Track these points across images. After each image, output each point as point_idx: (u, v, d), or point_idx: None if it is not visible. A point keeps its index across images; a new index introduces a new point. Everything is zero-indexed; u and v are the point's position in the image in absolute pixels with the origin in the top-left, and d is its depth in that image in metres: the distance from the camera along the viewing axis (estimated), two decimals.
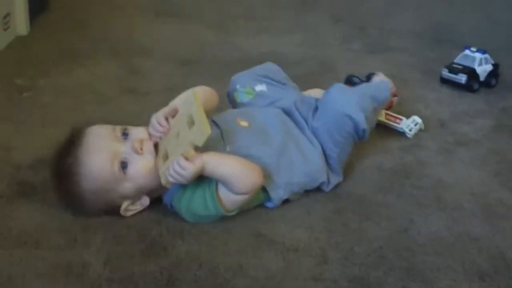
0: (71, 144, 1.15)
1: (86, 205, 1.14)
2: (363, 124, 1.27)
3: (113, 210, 1.16)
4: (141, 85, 1.71)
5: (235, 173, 1.12)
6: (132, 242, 1.11)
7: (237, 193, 1.13)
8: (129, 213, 1.17)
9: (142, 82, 1.74)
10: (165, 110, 1.20)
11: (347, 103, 1.27)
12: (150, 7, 2.35)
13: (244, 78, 1.41)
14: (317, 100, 1.35)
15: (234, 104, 1.41)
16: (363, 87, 1.40)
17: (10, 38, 1.92)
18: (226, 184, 1.12)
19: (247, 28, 2.20)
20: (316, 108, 1.33)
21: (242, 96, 1.39)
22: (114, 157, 1.13)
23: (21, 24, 1.97)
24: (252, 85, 1.39)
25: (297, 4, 2.48)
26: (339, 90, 1.32)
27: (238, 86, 1.40)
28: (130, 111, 1.56)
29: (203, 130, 1.07)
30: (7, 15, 1.89)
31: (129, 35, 2.07)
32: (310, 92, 1.52)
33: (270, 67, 1.46)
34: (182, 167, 1.08)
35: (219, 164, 1.12)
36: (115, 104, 1.60)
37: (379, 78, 1.55)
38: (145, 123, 1.40)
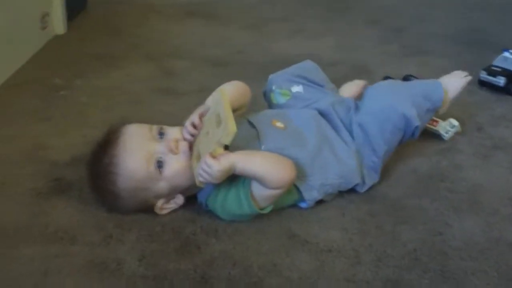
0: (107, 143, 1.15)
1: (121, 204, 1.15)
2: (416, 121, 1.25)
3: (147, 209, 1.17)
4: (175, 86, 1.73)
5: (266, 168, 1.11)
6: (166, 240, 1.12)
7: (270, 188, 1.12)
8: (164, 211, 1.18)
9: (176, 83, 1.75)
10: (199, 110, 1.20)
11: (398, 98, 1.25)
12: (185, 10, 2.38)
13: (280, 78, 1.41)
14: (355, 101, 1.34)
15: (270, 104, 1.41)
16: (414, 83, 1.35)
17: (48, 38, 1.96)
18: (258, 180, 1.12)
19: (281, 30, 2.21)
20: (356, 107, 1.31)
21: (278, 97, 1.39)
22: (150, 157, 1.14)
23: (58, 24, 2.01)
24: (288, 86, 1.39)
25: (332, 6, 2.48)
26: (387, 86, 1.31)
27: (274, 87, 1.39)
28: (163, 111, 1.58)
29: (229, 129, 1.07)
30: (46, 15, 1.92)
31: (164, 37, 2.09)
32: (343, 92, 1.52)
33: (309, 66, 1.45)
34: (208, 165, 1.08)
35: (248, 161, 1.11)
36: (149, 104, 1.62)
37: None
38: (179, 123, 1.42)
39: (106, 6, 2.36)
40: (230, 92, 1.20)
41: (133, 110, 1.58)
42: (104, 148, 1.15)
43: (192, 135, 1.17)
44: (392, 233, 1.16)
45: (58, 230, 1.13)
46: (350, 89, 1.52)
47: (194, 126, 1.17)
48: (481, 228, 1.18)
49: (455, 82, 1.45)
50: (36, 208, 1.19)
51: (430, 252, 1.12)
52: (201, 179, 1.11)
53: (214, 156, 1.09)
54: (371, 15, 2.41)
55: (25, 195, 1.23)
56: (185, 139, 1.17)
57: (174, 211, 1.19)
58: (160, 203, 1.17)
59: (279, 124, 1.26)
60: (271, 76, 1.42)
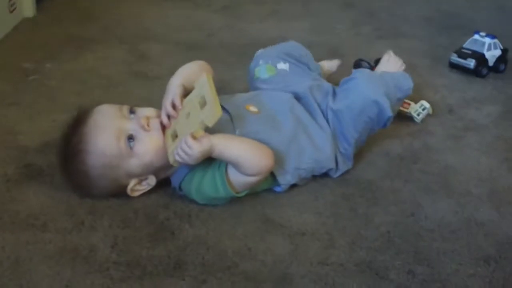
0: (77, 123, 1.15)
1: (92, 185, 1.14)
2: (389, 112, 1.27)
3: (119, 191, 1.16)
4: (149, 70, 1.71)
5: (245, 154, 1.11)
6: (139, 226, 1.11)
7: (247, 175, 1.12)
8: (136, 194, 1.17)
9: (150, 66, 1.73)
10: (175, 91, 1.18)
11: (374, 89, 1.27)
12: None
13: (269, 54, 1.42)
14: (333, 87, 1.35)
15: (251, 80, 1.41)
16: (387, 75, 1.39)
17: (17, 21, 1.92)
18: (235, 166, 1.12)
19: (255, 13, 2.19)
20: (334, 94, 1.32)
21: (262, 72, 1.39)
22: (121, 133, 1.13)
23: (27, 6, 1.96)
24: (275, 63, 1.40)
25: None
26: (366, 76, 1.33)
27: (261, 62, 1.40)
28: (137, 95, 1.56)
29: (215, 111, 1.07)
30: None
31: (137, 20, 2.06)
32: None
33: (296, 45, 1.47)
34: (189, 146, 1.08)
35: (228, 145, 1.11)
36: (123, 88, 1.60)
37: (387, 56, 1.55)
38: (153, 106, 1.40)
39: None
40: (193, 70, 1.21)
41: (105, 94, 1.55)
42: (73, 128, 1.15)
43: (170, 117, 1.16)
44: (365, 215, 1.17)
45: (29, 217, 1.11)
46: (329, 64, 1.57)
47: (174, 107, 1.16)
48: (453, 209, 1.20)
49: (391, 70, 1.49)
50: (6, 194, 1.17)
51: (402, 234, 1.13)
52: (177, 158, 1.10)
53: (194, 137, 1.08)
54: None
55: None
56: (162, 120, 1.16)
57: (147, 196, 1.18)
58: (132, 183, 1.15)
59: (252, 109, 1.25)
60: (259, 51, 1.44)
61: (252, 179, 1.13)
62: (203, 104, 1.11)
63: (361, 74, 1.33)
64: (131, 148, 1.13)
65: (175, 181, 1.18)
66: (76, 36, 1.88)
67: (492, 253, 1.09)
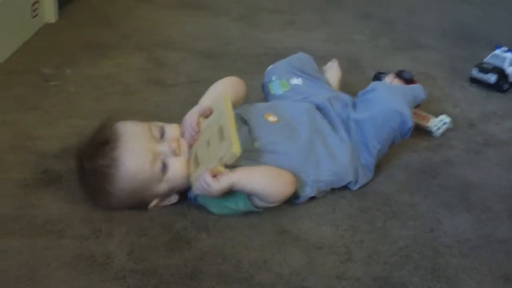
0: (105, 144, 1.12)
1: (114, 203, 1.13)
2: (410, 122, 1.27)
3: (139, 207, 1.16)
4: (167, 77, 1.71)
5: (266, 187, 1.12)
6: (156, 235, 1.10)
7: (268, 203, 1.14)
8: (156, 208, 1.17)
9: (168, 74, 1.73)
10: (197, 110, 1.19)
11: (396, 100, 1.27)
12: (176, 0, 2.35)
13: (280, 69, 1.42)
14: (352, 98, 1.35)
15: (267, 95, 1.41)
16: (404, 87, 1.40)
17: (38, 26, 1.93)
18: (257, 197, 1.12)
19: (272, 22, 2.19)
20: (353, 105, 1.32)
21: (276, 88, 1.39)
22: (155, 158, 1.12)
23: (49, 12, 1.97)
24: (287, 78, 1.39)
25: (325, 1, 2.46)
26: (386, 87, 1.34)
27: (274, 78, 1.40)
28: (154, 102, 1.56)
29: (234, 151, 1.07)
30: (36, 2, 1.89)
31: (155, 28, 2.06)
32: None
33: (304, 59, 1.46)
34: (207, 183, 1.08)
35: (249, 181, 1.11)
36: (141, 95, 1.60)
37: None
38: (170, 113, 1.42)
39: None
40: (227, 91, 1.21)
41: (124, 101, 1.56)
42: (101, 148, 1.12)
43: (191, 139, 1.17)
44: (383, 229, 1.16)
45: (47, 222, 1.11)
46: (332, 74, 1.55)
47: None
48: (472, 225, 1.19)
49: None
50: (24, 200, 1.17)
51: (421, 249, 1.12)
52: (198, 192, 1.11)
53: (214, 174, 1.08)
54: (363, 8, 2.40)
55: (13, 186, 1.20)
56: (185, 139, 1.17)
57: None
58: (155, 202, 1.15)
59: (271, 118, 1.25)
60: (270, 67, 1.44)
61: (272, 204, 1.15)
62: (222, 136, 1.11)
63: (381, 85, 1.33)
64: (163, 174, 1.13)
65: (191, 193, 1.18)
66: (96, 43, 1.89)
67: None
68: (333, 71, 1.56)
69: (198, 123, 1.17)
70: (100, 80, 1.67)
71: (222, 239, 1.10)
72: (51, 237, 1.08)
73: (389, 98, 1.27)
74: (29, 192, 1.19)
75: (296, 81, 1.39)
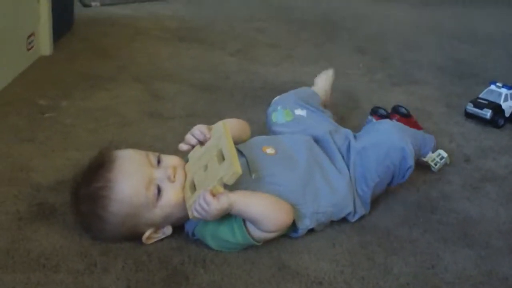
0: (100, 167, 1.12)
1: (107, 230, 1.11)
2: (411, 161, 1.26)
3: (134, 237, 1.13)
4: (164, 110, 1.70)
5: (264, 213, 1.10)
6: (153, 269, 1.08)
7: (265, 231, 1.11)
8: (150, 241, 1.14)
9: (165, 106, 1.73)
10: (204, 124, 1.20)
11: (402, 136, 1.27)
12: (173, 33, 2.37)
13: (287, 99, 1.43)
14: (353, 133, 1.35)
15: (269, 124, 1.42)
16: (415, 131, 1.41)
17: (34, 58, 1.93)
18: (254, 223, 1.10)
19: (270, 56, 2.20)
20: (355, 138, 1.32)
21: (279, 117, 1.39)
22: (150, 183, 1.11)
23: (44, 44, 1.98)
24: (292, 108, 1.40)
25: (321, 34, 2.48)
26: (395, 123, 1.35)
27: (279, 108, 1.41)
28: (152, 134, 1.55)
29: (234, 170, 1.06)
30: (32, 34, 1.89)
31: (152, 60, 2.07)
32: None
33: (311, 92, 1.48)
34: (207, 203, 1.06)
35: (247, 204, 1.09)
36: (137, 127, 1.59)
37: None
38: (167, 146, 1.41)
39: (93, 27, 2.34)
40: (232, 126, 1.21)
41: (120, 133, 1.55)
42: (96, 171, 1.11)
43: (199, 141, 1.18)
44: (384, 265, 1.15)
45: (41, 256, 1.09)
46: (322, 80, 1.59)
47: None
48: (473, 261, 1.17)
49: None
50: (17, 233, 1.15)
51: (422, 286, 1.10)
52: (196, 214, 1.08)
53: (213, 194, 1.06)
54: (359, 43, 2.42)
55: (6, 219, 1.18)
56: (185, 143, 1.18)
57: (160, 240, 1.15)
58: (148, 232, 1.13)
59: (269, 151, 1.24)
60: (276, 98, 1.45)
61: (270, 235, 1.12)
62: (220, 158, 1.10)
63: (390, 121, 1.35)
64: (157, 199, 1.11)
65: (188, 227, 1.16)
66: (92, 75, 1.89)
67: None
68: (323, 77, 1.60)
69: (208, 132, 1.18)
70: (96, 112, 1.66)
71: (220, 275, 1.08)
72: (45, 272, 1.05)
73: (396, 133, 1.27)
74: (23, 225, 1.17)
75: (301, 112, 1.40)
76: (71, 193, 1.15)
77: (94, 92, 1.77)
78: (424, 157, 1.45)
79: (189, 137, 1.19)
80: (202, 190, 1.08)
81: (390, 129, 1.29)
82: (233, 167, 1.06)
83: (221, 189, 1.08)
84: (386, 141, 1.26)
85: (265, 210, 1.10)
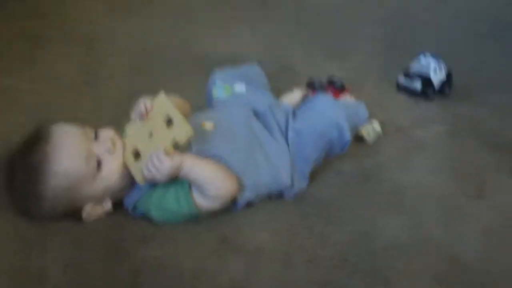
0: (37, 141, 1.09)
1: (43, 206, 1.09)
2: (348, 135, 1.29)
3: (70, 213, 1.12)
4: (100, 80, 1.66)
5: (211, 177, 1.12)
6: (92, 247, 1.08)
7: (209, 197, 1.12)
8: (91, 218, 1.13)
9: (101, 73, 1.68)
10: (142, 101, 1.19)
11: (337, 112, 1.29)
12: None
13: (225, 74, 1.42)
14: (293, 108, 1.36)
15: (210, 100, 1.41)
16: (349, 103, 1.44)
17: None
18: (200, 187, 1.11)
19: (208, 26, 2.17)
20: (293, 114, 1.33)
21: (220, 92, 1.39)
22: (90, 156, 1.10)
23: None
24: (231, 83, 1.40)
25: (258, 5, 2.46)
26: (328, 99, 1.35)
27: (218, 81, 1.40)
28: (88, 100, 1.52)
29: (186, 129, 1.10)
30: None
31: (86, 28, 2.00)
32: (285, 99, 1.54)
33: (255, 71, 1.47)
34: (160, 161, 1.07)
35: (197, 165, 1.12)
36: (74, 92, 1.55)
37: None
38: (104, 113, 1.38)
39: None
40: (174, 98, 1.21)
41: (57, 95, 1.51)
42: (33, 145, 1.09)
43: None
44: (322, 234, 1.18)
45: None
46: (290, 98, 1.53)
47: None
48: (408, 228, 1.22)
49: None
50: None
51: (359, 252, 1.14)
52: (146, 173, 1.09)
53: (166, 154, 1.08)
54: (296, 15, 2.41)
55: None
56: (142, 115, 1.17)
57: (99, 218, 1.14)
58: (88, 206, 1.12)
59: (208, 125, 1.24)
60: (216, 71, 1.43)
61: (214, 204, 1.13)
62: (169, 123, 1.12)
63: (324, 97, 1.35)
64: (98, 171, 1.10)
65: (128, 202, 1.16)
66: (29, 36, 1.81)
67: (444, 273, 1.11)
68: (293, 95, 1.57)
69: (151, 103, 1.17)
70: (33, 74, 1.60)
71: (161, 250, 1.08)
72: None
73: (330, 110, 1.29)
74: None
75: (240, 88, 1.40)
76: (5, 168, 1.11)
77: (31, 55, 1.70)
78: (359, 129, 1.48)
79: (142, 108, 1.18)
80: (152, 152, 1.09)
81: (323, 106, 1.31)
82: (186, 127, 1.10)
83: (172, 150, 1.10)
84: (321, 119, 1.28)
85: (212, 174, 1.12)
